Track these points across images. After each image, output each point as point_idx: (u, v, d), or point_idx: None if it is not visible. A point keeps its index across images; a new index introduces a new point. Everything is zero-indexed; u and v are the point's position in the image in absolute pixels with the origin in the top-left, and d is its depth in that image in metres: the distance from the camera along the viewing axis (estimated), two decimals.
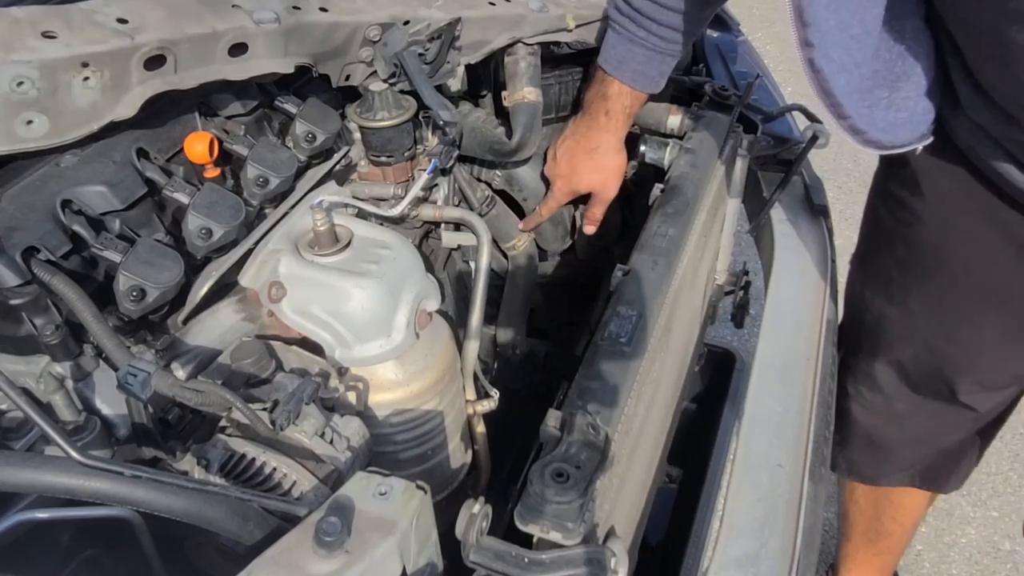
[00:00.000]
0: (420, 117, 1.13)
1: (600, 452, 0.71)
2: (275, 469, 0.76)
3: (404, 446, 0.95)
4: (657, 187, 1.16)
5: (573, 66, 1.44)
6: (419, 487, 0.64)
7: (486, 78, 1.36)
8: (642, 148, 1.27)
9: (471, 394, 1.09)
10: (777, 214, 1.41)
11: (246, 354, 0.84)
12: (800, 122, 1.48)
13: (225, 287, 0.93)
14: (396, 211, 1.07)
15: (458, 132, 1.12)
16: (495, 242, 1.31)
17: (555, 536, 0.65)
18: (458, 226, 1.23)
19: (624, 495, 0.89)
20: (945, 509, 2.12)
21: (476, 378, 1.10)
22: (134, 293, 0.78)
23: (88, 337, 0.80)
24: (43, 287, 0.75)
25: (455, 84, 1.19)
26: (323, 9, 0.97)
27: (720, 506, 1.07)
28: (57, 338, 0.76)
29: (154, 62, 0.81)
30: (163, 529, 0.79)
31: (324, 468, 0.77)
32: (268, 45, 0.92)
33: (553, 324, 1.63)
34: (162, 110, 0.90)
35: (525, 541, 0.67)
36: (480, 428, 1.12)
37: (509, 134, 1.21)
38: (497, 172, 1.32)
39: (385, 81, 1.10)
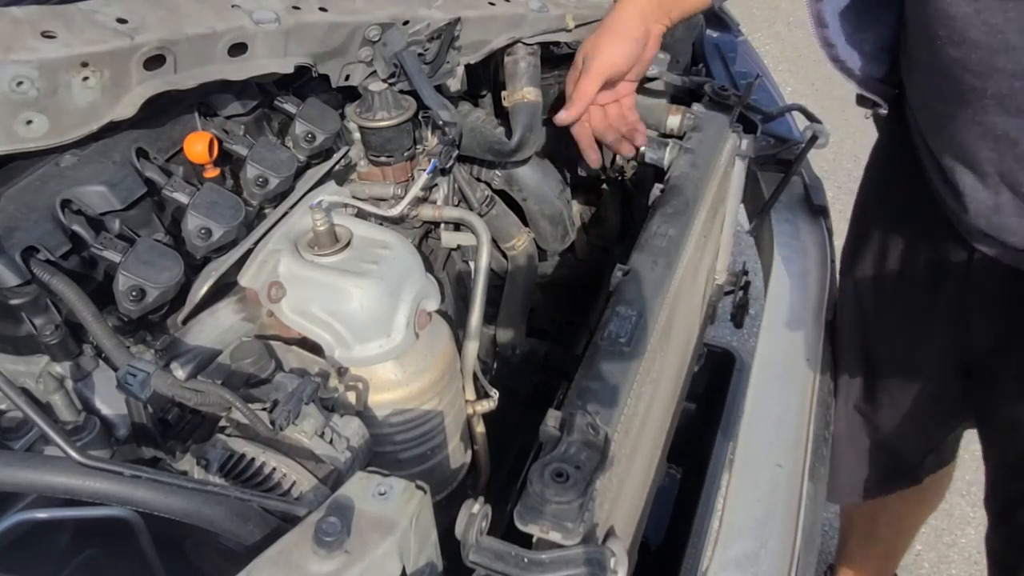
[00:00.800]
0: (420, 117, 1.13)
1: (600, 452, 0.71)
2: (275, 469, 0.76)
3: (404, 446, 0.95)
4: (657, 187, 1.16)
5: None
6: (419, 487, 0.64)
7: (486, 78, 1.36)
8: (642, 148, 1.27)
9: (471, 394, 1.09)
10: (777, 214, 1.42)
11: (246, 354, 0.84)
12: (800, 122, 1.48)
13: (225, 287, 0.93)
14: (396, 211, 1.07)
15: (458, 132, 1.12)
16: (495, 242, 1.31)
17: (555, 536, 0.65)
18: (458, 226, 1.23)
19: (624, 495, 0.89)
20: (945, 509, 2.12)
21: (476, 378, 1.10)
22: (134, 293, 0.78)
23: (88, 337, 0.80)
24: (43, 287, 0.75)
25: (455, 84, 1.19)
26: (323, 9, 0.97)
27: (720, 506, 1.08)
28: (57, 338, 0.76)
29: (154, 62, 0.81)
30: (163, 529, 0.79)
31: (324, 468, 0.77)
32: (268, 45, 0.92)
33: (553, 324, 1.63)
34: (162, 110, 0.90)
35: (525, 541, 0.67)
36: (480, 428, 1.12)
37: (509, 134, 1.21)
38: (497, 172, 1.32)
39: (385, 81, 1.10)
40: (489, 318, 1.39)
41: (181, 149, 0.90)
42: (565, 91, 1.23)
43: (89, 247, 0.79)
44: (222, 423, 0.80)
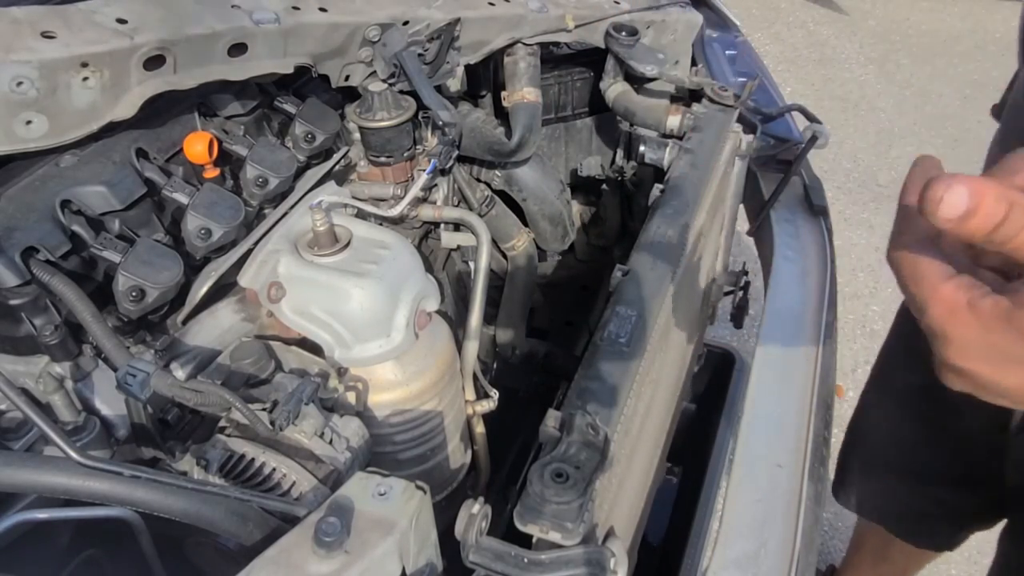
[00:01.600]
0: (419, 117, 1.13)
1: (599, 452, 0.71)
2: (274, 469, 0.76)
3: (403, 446, 0.94)
4: (657, 187, 1.16)
5: (573, 66, 1.44)
6: (418, 487, 0.64)
7: (485, 78, 1.36)
8: (641, 148, 1.27)
9: (470, 394, 1.09)
10: (777, 214, 1.41)
11: (245, 354, 0.84)
12: (800, 122, 1.48)
13: (224, 287, 0.93)
14: (395, 211, 1.07)
15: (457, 132, 1.12)
16: (494, 242, 1.31)
17: (554, 536, 0.65)
18: (457, 226, 1.23)
19: (624, 495, 0.89)
20: None
21: (476, 378, 1.10)
22: (133, 293, 0.78)
23: (87, 337, 0.80)
24: (42, 287, 0.75)
25: (454, 84, 1.19)
26: (322, 9, 0.97)
27: (720, 506, 1.07)
28: (56, 338, 0.76)
29: (153, 62, 0.81)
30: (162, 529, 0.79)
31: (323, 468, 0.77)
32: (267, 45, 0.92)
33: (553, 324, 1.63)
34: (161, 110, 0.90)
35: (525, 541, 0.67)
36: (480, 428, 1.12)
37: (508, 134, 1.21)
38: (496, 172, 1.32)
39: (384, 81, 1.10)
40: (489, 318, 1.39)
41: (181, 149, 0.90)
42: None
43: (89, 247, 0.79)
44: (222, 423, 0.80)
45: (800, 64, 4.52)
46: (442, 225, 1.24)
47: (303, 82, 1.09)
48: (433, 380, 0.94)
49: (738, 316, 1.58)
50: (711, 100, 1.32)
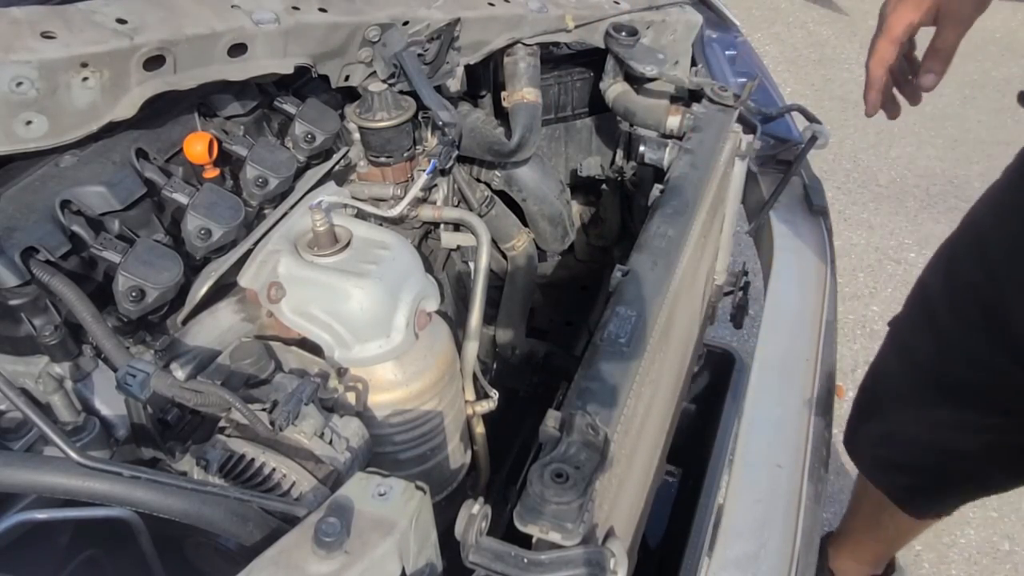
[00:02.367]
0: (419, 118, 1.13)
1: (599, 452, 0.71)
2: (274, 470, 0.75)
3: (403, 446, 0.94)
4: (656, 187, 1.16)
5: (572, 66, 1.44)
6: (418, 487, 0.64)
7: (485, 79, 1.36)
8: (641, 148, 1.27)
9: (470, 394, 1.09)
10: (776, 214, 1.41)
11: (245, 354, 0.84)
12: (800, 122, 1.48)
13: (224, 287, 0.93)
14: (395, 211, 1.07)
15: (457, 133, 1.12)
16: (494, 242, 1.31)
17: (554, 536, 0.65)
18: (457, 226, 1.23)
19: (623, 495, 0.89)
20: None
21: (475, 378, 1.10)
22: (133, 293, 0.78)
23: (87, 337, 0.80)
24: (42, 287, 0.75)
25: (454, 85, 1.18)
26: (322, 10, 0.97)
27: (720, 506, 1.07)
28: (56, 338, 0.76)
29: (153, 62, 0.81)
30: (162, 529, 0.79)
31: (323, 469, 0.77)
32: (267, 45, 0.92)
33: (553, 325, 1.63)
34: (161, 110, 0.90)
35: (524, 541, 0.67)
36: (479, 428, 1.12)
37: (508, 134, 1.21)
38: (496, 172, 1.32)
39: (384, 82, 1.10)
40: (489, 319, 1.39)
41: (181, 149, 0.90)
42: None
43: (89, 247, 0.79)
44: (222, 424, 0.80)
45: (800, 64, 4.52)
46: (442, 225, 1.24)
47: (303, 82, 1.09)
48: (433, 380, 0.94)
49: (738, 316, 1.58)
50: (711, 100, 1.32)
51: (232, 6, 0.89)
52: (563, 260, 1.57)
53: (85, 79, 0.77)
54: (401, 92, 1.11)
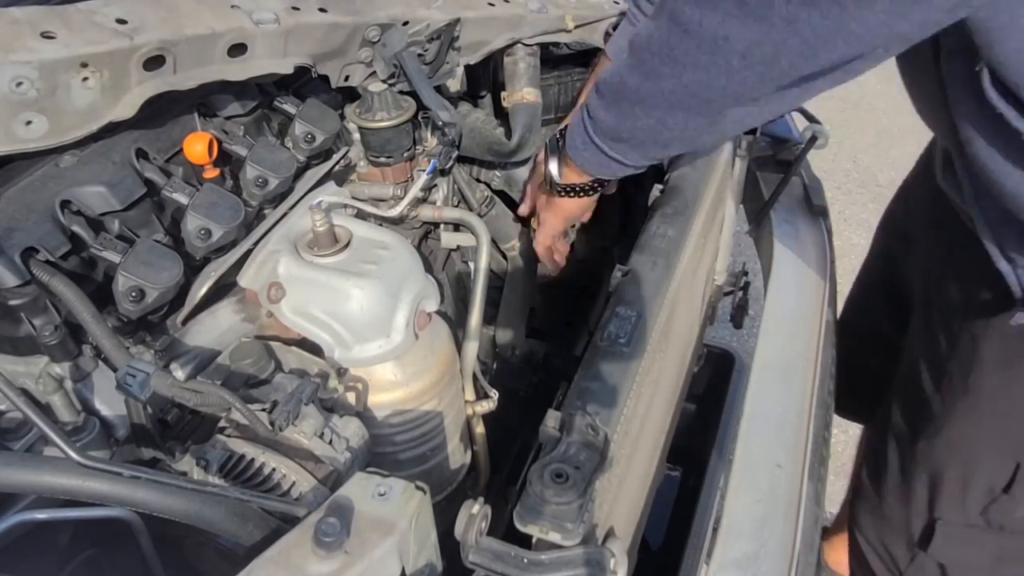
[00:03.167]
0: (419, 118, 1.13)
1: (599, 453, 0.71)
2: (274, 470, 0.75)
3: (403, 447, 0.94)
4: (656, 187, 1.16)
5: (572, 67, 1.44)
6: (418, 488, 0.64)
7: (485, 79, 1.36)
8: None
9: (470, 395, 1.09)
10: (777, 214, 1.42)
11: (245, 355, 0.84)
12: (799, 122, 1.48)
13: (224, 287, 0.93)
14: (395, 212, 1.07)
15: (457, 133, 1.12)
16: (494, 243, 1.31)
17: (554, 537, 0.65)
18: (457, 227, 1.23)
19: (623, 495, 0.89)
20: None
21: (475, 379, 1.10)
22: (133, 294, 0.78)
23: (87, 338, 0.80)
24: (42, 288, 0.75)
25: (454, 85, 1.19)
26: (322, 10, 0.97)
27: (720, 506, 1.08)
28: (56, 339, 0.76)
29: (153, 62, 0.81)
30: (162, 530, 0.79)
31: (323, 469, 0.77)
32: (267, 45, 0.92)
33: (552, 325, 1.63)
34: (161, 110, 0.90)
35: (524, 542, 0.67)
36: (479, 429, 1.12)
37: (508, 135, 1.21)
38: (496, 173, 1.32)
39: (384, 82, 1.10)
40: (489, 319, 1.39)
41: (181, 150, 0.90)
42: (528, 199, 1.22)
43: (89, 248, 0.79)
44: (221, 424, 0.80)
45: None
46: (442, 225, 1.24)
47: (303, 82, 1.09)
48: (433, 380, 0.94)
49: (738, 316, 1.58)
50: None
51: (232, 6, 0.89)
52: None
53: (85, 79, 0.77)
54: (401, 92, 1.11)
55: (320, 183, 1.04)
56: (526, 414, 1.35)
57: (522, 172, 1.31)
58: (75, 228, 0.79)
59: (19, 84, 0.73)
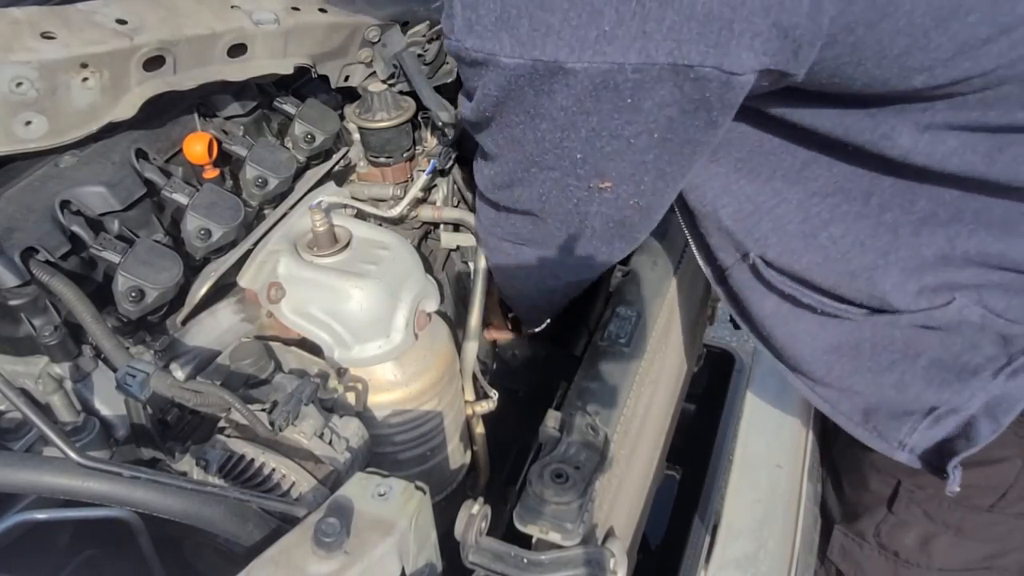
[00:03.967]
0: (419, 118, 1.13)
1: (599, 453, 0.71)
2: (274, 470, 0.75)
3: (403, 447, 0.94)
4: None
5: None
6: (418, 488, 0.64)
7: None
8: None
9: (470, 395, 1.09)
10: None
11: (245, 355, 0.84)
12: None
13: (224, 288, 0.93)
14: (395, 212, 1.07)
15: (457, 133, 1.12)
16: None
17: (554, 537, 0.65)
18: (457, 227, 1.23)
19: (623, 495, 0.89)
20: None
21: (475, 379, 1.10)
22: (133, 294, 0.78)
23: (87, 338, 0.80)
24: (42, 288, 0.75)
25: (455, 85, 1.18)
26: (322, 10, 0.97)
27: (720, 506, 1.08)
28: (56, 339, 0.76)
29: (153, 63, 0.81)
30: (162, 530, 0.79)
31: (323, 469, 0.77)
32: (267, 46, 0.92)
33: (552, 325, 1.62)
34: (161, 111, 0.90)
35: (525, 542, 0.67)
36: (479, 429, 1.12)
37: None
38: None
39: (384, 82, 1.10)
40: (488, 320, 1.39)
41: (180, 150, 0.90)
42: None
43: (88, 248, 0.79)
44: (221, 424, 0.80)
45: None
46: (441, 226, 1.23)
47: (303, 82, 1.09)
48: (433, 380, 0.94)
49: None
50: None
51: (232, 7, 0.89)
52: None
53: (85, 79, 0.77)
54: (401, 92, 1.11)
55: (320, 183, 1.04)
56: (526, 414, 1.35)
57: None
58: (75, 228, 0.79)
59: (19, 84, 0.73)
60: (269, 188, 0.93)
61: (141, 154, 0.87)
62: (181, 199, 0.86)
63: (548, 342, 1.50)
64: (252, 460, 0.76)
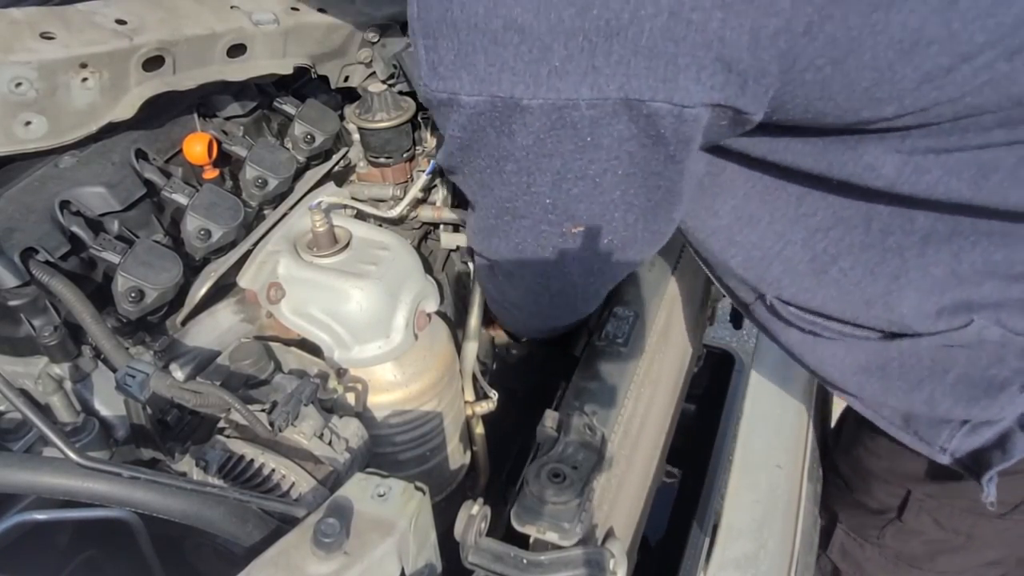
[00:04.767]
0: (419, 118, 1.13)
1: (597, 452, 0.71)
2: (274, 470, 0.75)
3: (403, 447, 0.94)
4: None
5: None
6: (418, 488, 0.64)
7: None
8: None
9: (470, 395, 1.09)
10: None
11: (245, 355, 0.84)
12: None
13: (224, 288, 0.93)
14: (395, 212, 1.07)
15: None
16: None
17: (551, 536, 0.65)
18: (457, 227, 1.23)
19: (623, 495, 0.89)
20: None
21: (475, 379, 1.10)
22: (133, 294, 0.78)
23: (87, 338, 0.80)
24: (42, 288, 0.75)
25: None
26: (322, 10, 0.97)
27: (720, 506, 1.08)
28: (55, 339, 0.76)
29: (153, 63, 0.82)
30: (162, 530, 0.79)
31: (323, 469, 0.77)
32: (267, 46, 0.92)
33: None
34: (161, 111, 0.90)
35: (525, 542, 0.67)
36: (479, 429, 1.12)
37: None
38: None
39: (384, 82, 1.10)
40: (488, 319, 1.39)
41: (180, 150, 0.90)
42: None
43: (88, 248, 0.79)
44: (221, 424, 0.80)
45: None
46: (441, 226, 1.23)
47: (303, 83, 1.09)
48: (432, 381, 0.94)
49: (738, 316, 1.58)
50: None
51: (231, 7, 0.89)
52: None
53: (84, 80, 0.77)
54: (401, 92, 1.11)
55: (320, 183, 1.04)
56: (526, 414, 1.35)
57: None
58: (75, 228, 0.79)
59: (19, 84, 0.73)
60: (269, 188, 0.93)
61: (141, 154, 0.87)
62: (181, 199, 0.86)
63: (547, 342, 1.50)
64: (252, 460, 0.76)
